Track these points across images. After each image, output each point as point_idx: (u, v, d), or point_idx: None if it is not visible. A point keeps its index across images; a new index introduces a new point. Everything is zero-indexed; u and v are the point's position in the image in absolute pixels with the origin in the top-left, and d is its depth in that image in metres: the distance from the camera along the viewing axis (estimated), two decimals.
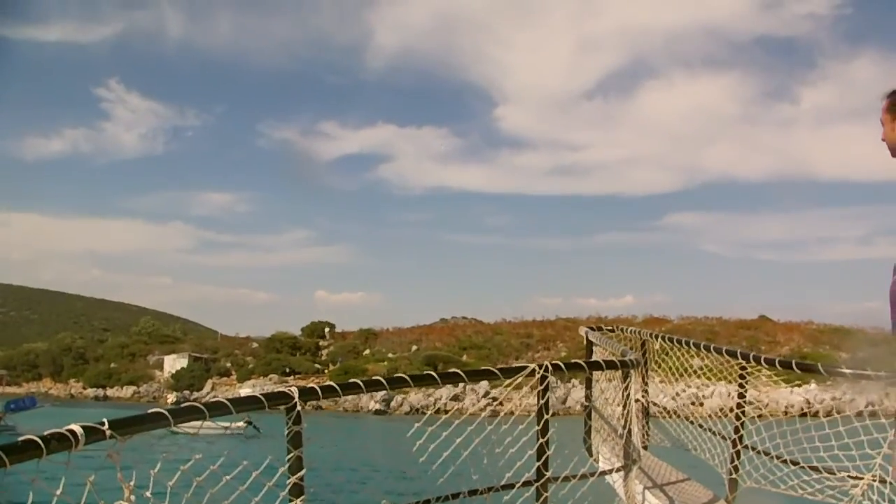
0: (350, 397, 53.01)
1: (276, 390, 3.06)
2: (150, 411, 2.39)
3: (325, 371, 64.28)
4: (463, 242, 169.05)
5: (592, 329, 7.31)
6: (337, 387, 3.31)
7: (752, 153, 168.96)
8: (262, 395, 2.95)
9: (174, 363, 69.87)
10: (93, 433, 2.08)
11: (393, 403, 52.71)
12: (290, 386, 3.19)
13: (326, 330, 75.36)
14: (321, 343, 72.82)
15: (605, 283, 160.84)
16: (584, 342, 6.98)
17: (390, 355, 65.25)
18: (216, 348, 75.17)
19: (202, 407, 2.67)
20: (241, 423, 32.63)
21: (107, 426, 2.14)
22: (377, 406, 52.32)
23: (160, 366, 71.56)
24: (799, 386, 6.41)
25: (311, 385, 3.40)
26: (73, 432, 2.01)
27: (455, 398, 46.12)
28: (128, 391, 67.44)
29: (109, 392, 68.12)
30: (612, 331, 7.46)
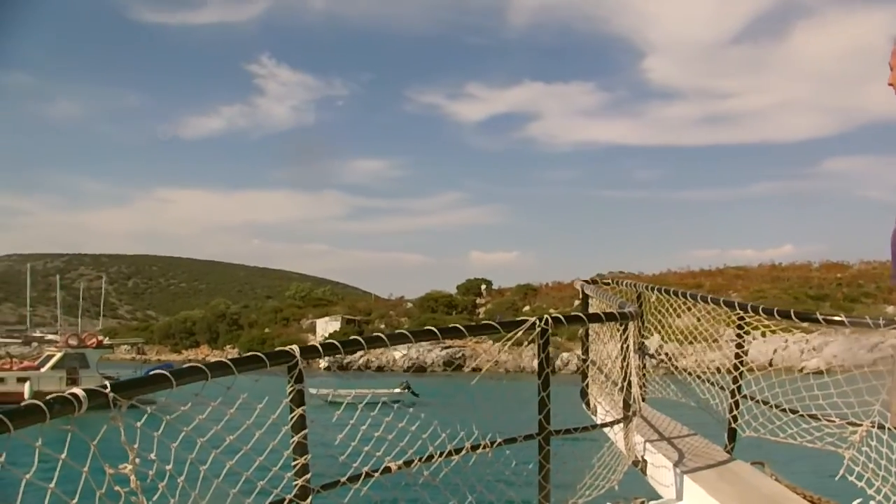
0: (510, 357, 48.96)
1: (277, 349, 3.00)
2: (151, 373, 2.36)
3: None
4: (613, 198, 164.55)
5: (587, 282, 7.29)
6: (338, 344, 3.28)
7: None
8: (263, 353, 2.90)
9: (326, 326, 68.44)
10: (95, 396, 2.05)
11: (558, 363, 48.25)
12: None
13: (483, 287, 72.47)
14: (478, 301, 70.20)
15: (761, 233, 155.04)
16: (580, 295, 6.96)
17: (552, 311, 62.39)
18: (369, 310, 73.28)
19: (204, 367, 2.63)
20: (397, 389, 32.00)
21: (109, 389, 2.11)
22: None
23: (313, 329, 70.11)
24: None
25: (312, 343, 3.37)
26: (75, 396, 1.98)
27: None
28: None
29: None
30: (608, 284, 7.45)
